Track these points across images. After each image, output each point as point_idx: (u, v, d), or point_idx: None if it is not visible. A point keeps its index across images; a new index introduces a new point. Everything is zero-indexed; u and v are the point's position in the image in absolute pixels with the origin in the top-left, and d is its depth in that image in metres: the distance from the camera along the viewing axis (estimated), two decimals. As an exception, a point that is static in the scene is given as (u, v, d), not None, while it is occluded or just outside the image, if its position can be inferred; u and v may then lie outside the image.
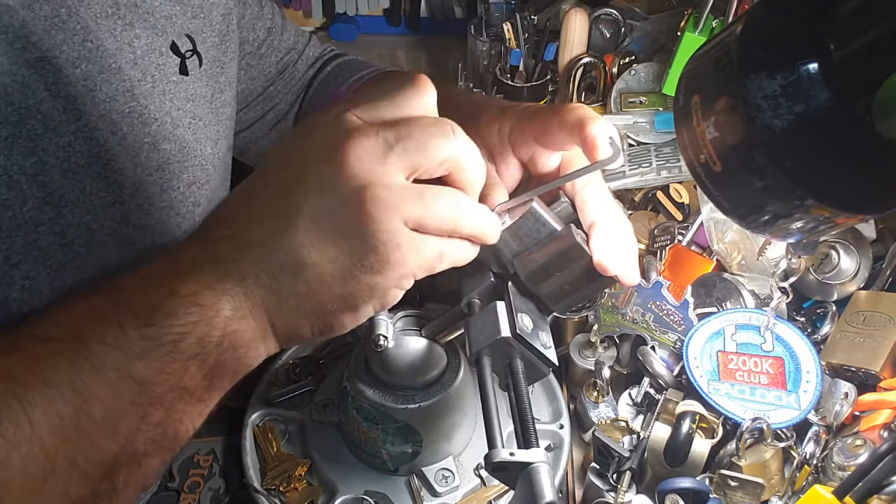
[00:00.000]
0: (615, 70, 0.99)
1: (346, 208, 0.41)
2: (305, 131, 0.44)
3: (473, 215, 0.44)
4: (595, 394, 0.73)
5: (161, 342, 0.40)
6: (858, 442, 0.58)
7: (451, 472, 0.66)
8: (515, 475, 0.42)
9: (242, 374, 0.45)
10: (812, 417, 0.63)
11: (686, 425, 0.64)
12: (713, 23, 0.84)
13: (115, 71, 0.54)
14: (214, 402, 0.45)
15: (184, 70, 0.61)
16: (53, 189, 0.49)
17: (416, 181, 0.43)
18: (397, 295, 0.44)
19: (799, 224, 0.41)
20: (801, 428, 0.63)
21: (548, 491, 0.40)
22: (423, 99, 0.44)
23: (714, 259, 0.78)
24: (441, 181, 0.44)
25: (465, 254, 0.46)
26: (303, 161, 0.42)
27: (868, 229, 0.73)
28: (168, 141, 0.59)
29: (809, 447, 0.61)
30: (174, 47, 0.60)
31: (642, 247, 0.83)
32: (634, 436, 0.69)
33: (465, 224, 0.44)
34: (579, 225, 0.50)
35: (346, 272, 0.42)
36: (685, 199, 0.85)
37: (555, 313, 0.53)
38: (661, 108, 0.92)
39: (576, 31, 1.01)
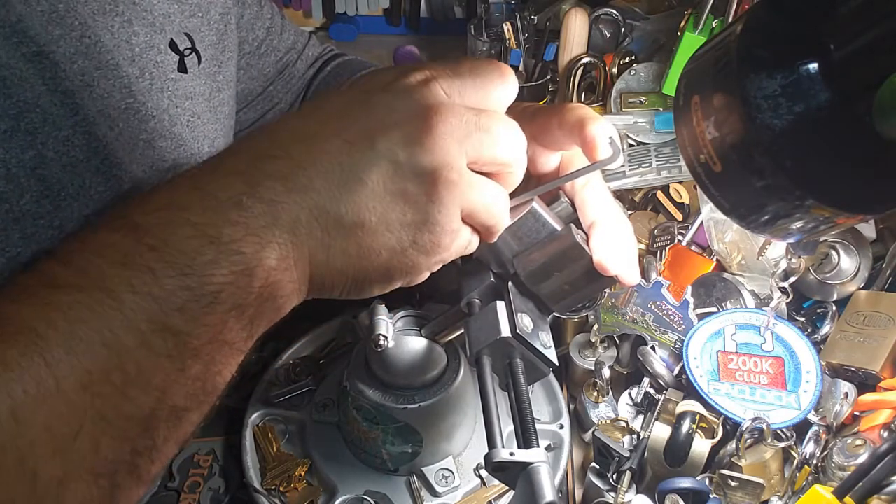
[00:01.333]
0: (615, 70, 0.99)
1: (419, 182, 0.40)
2: (389, 84, 0.41)
3: (505, 214, 0.45)
4: (595, 394, 0.73)
5: (201, 293, 0.37)
6: (858, 442, 0.58)
7: (451, 472, 0.66)
8: (515, 475, 0.42)
9: (275, 321, 0.42)
10: (812, 417, 0.63)
11: (686, 425, 0.64)
12: (713, 23, 0.84)
13: (112, 67, 0.54)
14: (250, 348, 0.42)
15: (182, 68, 0.61)
16: (52, 182, 0.49)
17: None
18: (425, 276, 0.44)
19: (799, 224, 0.41)
20: (801, 428, 0.63)
21: (548, 491, 0.40)
22: (507, 93, 0.44)
23: (714, 259, 0.78)
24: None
25: (475, 246, 0.46)
26: (385, 117, 0.40)
27: (868, 229, 0.73)
28: (164, 138, 0.59)
29: (809, 447, 0.61)
30: (173, 45, 0.60)
31: (642, 247, 0.83)
32: (634, 436, 0.69)
33: (499, 221, 0.45)
34: (579, 225, 0.50)
35: (398, 245, 0.41)
36: (685, 199, 0.85)
37: (555, 313, 0.53)
38: (661, 108, 0.92)
39: (576, 31, 1.01)
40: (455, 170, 0.40)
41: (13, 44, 0.47)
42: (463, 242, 0.44)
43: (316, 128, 0.41)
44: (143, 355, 0.36)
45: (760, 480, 0.60)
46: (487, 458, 0.42)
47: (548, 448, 0.71)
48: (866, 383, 0.64)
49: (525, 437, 0.44)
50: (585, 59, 1.00)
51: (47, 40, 0.49)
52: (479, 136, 0.41)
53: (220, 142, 0.67)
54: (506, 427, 0.61)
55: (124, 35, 0.56)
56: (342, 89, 0.44)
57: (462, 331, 0.55)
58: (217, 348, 0.39)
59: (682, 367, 0.68)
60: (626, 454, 0.65)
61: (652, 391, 0.71)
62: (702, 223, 0.79)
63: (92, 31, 0.53)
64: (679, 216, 0.84)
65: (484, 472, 0.67)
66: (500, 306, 0.49)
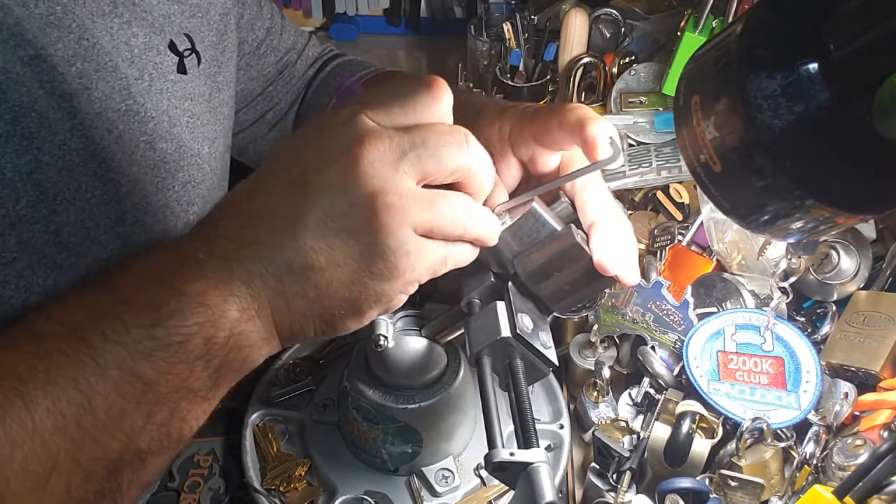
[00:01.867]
0: (615, 70, 0.99)
1: (358, 213, 0.40)
2: (317, 129, 0.43)
3: (480, 220, 0.44)
4: (595, 394, 0.73)
5: (167, 342, 0.40)
6: (858, 442, 0.58)
7: (451, 472, 0.66)
8: (515, 475, 0.42)
9: (246, 372, 0.45)
10: (812, 417, 0.63)
11: (686, 425, 0.64)
12: (713, 23, 0.84)
13: (111, 69, 0.54)
14: (218, 399, 0.44)
15: (182, 69, 0.61)
16: (48, 187, 0.49)
17: (425, 186, 0.43)
18: (402, 300, 0.44)
19: (799, 224, 0.41)
20: (801, 428, 0.63)
21: (548, 491, 0.40)
22: (439, 105, 0.44)
23: (714, 259, 0.78)
24: (449, 186, 0.44)
25: (466, 256, 0.46)
26: (314, 160, 0.42)
27: (868, 229, 0.73)
28: (164, 140, 0.59)
29: (809, 447, 0.61)
30: (172, 46, 0.60)
31: (642, 247, 0.83)
32: (634, 436, 0.69)
33: (472, 229, 0.44)
34: (579, 225, 0.50)
35: (354, 277, 0.42)
36: (685, 199, 0.85)
37: (555, 313, 0.53)
38: (661, 108, 0.92)
39: (576, 31, 1.01)
40: (393, 193, 0.40)
41: (10, 47, 0.47)
42: (434, 259, 0.43)
43: (258, 183, 0.44)
44: (113, 400, 0.39)
45: (760, 480, 0.60)
46: (487, 458, 0.42)
47: (548, 448, 0.71)
48: (866, 383, 0.64)
49: (525, 437, 0.44)
50: (585, 59, 1.00)
51: (45, 43, 0.49)
52: (416, 152, 0.41)
53: (219, 142, 0.67)
54: (506, 427, 0.61)
55: (123, 36, 0.56)
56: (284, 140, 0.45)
57: (462, 331, 0.55)
58: (182, 396, 0.41)
59: (682, 367, 0.68)
60: (626, 454, 0.65)
61: (652, 391, 0.71)
62: (702, 223, 0.79)
63: (90, 33, 0.53)
64: (679, 216, 0.84)
65: (484, 472, 0.67)
66: (500, 306, 0.49)
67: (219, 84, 0.67)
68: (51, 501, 0.38)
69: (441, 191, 0.43)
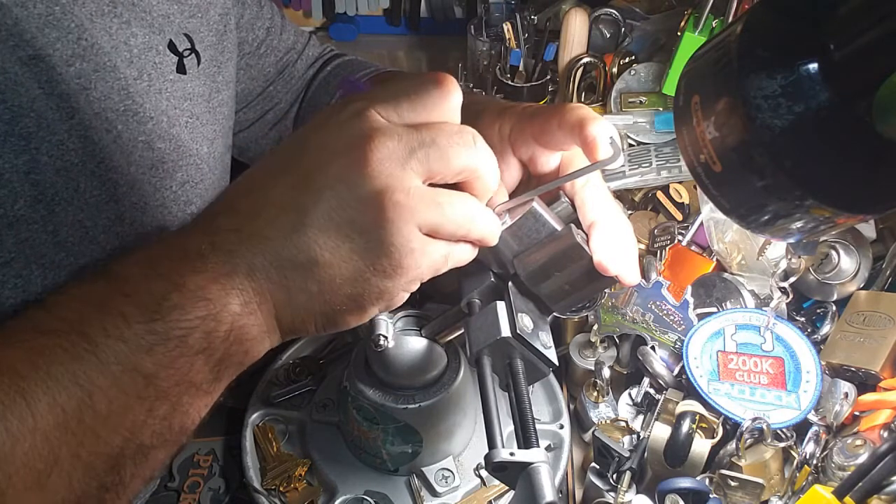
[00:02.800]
0: (615, 70, 0.99)
1: (364, 210, 0.40)
2: (324, 123, 0.43)
3: (483, 222, 0.45)
4: (595, 394, 0.73)
5: (168, 337, 0.39)
6: (858, 442, 0.58)
7: (451, 472, 0.66)
8: (515, 475, 0.42)
9: (247, 365, 0.44)
10: (812, 417, 0.63)
11: (686, 425, 0.64)
12: (713, 23, 0.84)
13: (110, 69, 0.54)
14: (219, 392, 0.44)
15: (181, 69, 0.61)
16: (46, 187, 0.49)
17: (431, 185, 0.43)
18: (404, 297, 0.44)
19: (799, 224, 0.41)
20: (801, 428, 0.63)
21: (548, 491, 0.40)
22: (449, 102, 0.43)
23: (714, 259, 0.78)
24: (454, 185, 0.44)
25: (467, 256, 0.46)
26: (321, 154, 0.41)
27: (868, 229, 0.73)
28: (163, 140, 0.59)
29: (809, 447, 0.61)
30: (171, 46, 0.60)
31: (642, 247, 0.83)
32: (634, 436, 0.69)
33: (475, 230, 0.44)
34: (579, 225, 0.50)
35: (357, 274, 0.42)
36: (685, 199, 0.85)
37: (555, 313, 0.53)
38: (661, 108, 0.92)
39: (576, 31, 1.01)
40: (400, 190, 0.40)
41: (9, 47, 0.47)
42: (437, 258, 0.43)
43: (262, 179, 0.43)
44: (114, 395, 0.39)
45: (760, 480, 0.60)
46: (487, 458, 0.42)
47: (548, 448, 0.71)
48: (866, 383, 0.64)
49: (525, 437, 0.44)
50: (585, 59, 1.00)
51: (43, 43, 0.49)
52: (424, 151, 0.41)
53: (218, 142, 0.67)
54: (506, 427, 0.61)
55: (122, 36, 0.56)
56: (287, 139, 0.45)
57: (462, 331, 0.55)
58: (184, 390, 0.41)
59: (682, 367, 0.68)
60: (626, 454, 0.65)
61: (652, 391, 0.71)
62: (702, 223, 0.79)
63: (89, 33, 0.53)
64: (679, 216, 0.84)
65: (484, 472, 0.67)
66: (500, 306, 0.49)
67: (218, 84, 0.67)
68: (52, 496, 0.38)
69: (447, 191, 0.43)
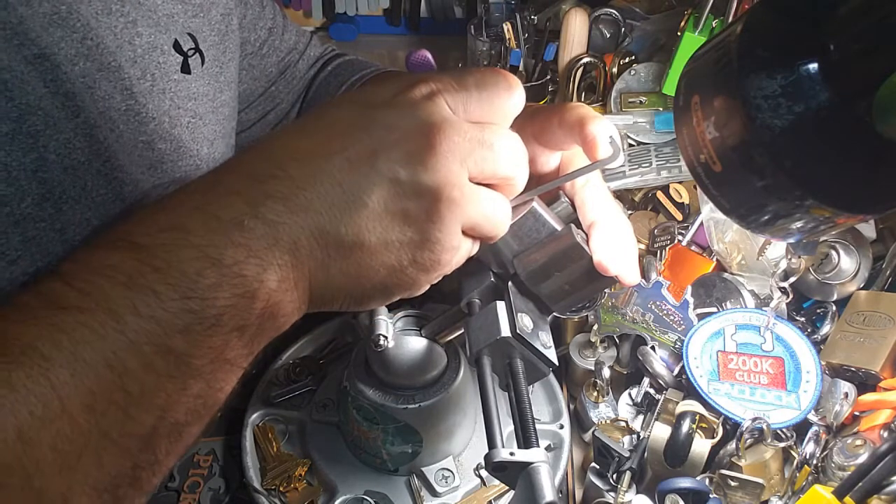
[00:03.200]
0: (615, 70, 0.99)
1: (420, 201, 0.40)
2: (392, 99, 0.41)
3: (507, 222, 0.45)
4: (595, 394, 0.73)
5: (204, 316, 0.37)
6: (858, 442, 0.58)
7: (451, 472, 0.66)
8: (515, 475, 0.42)
9: (274, 337, 0.42)
10: (812, 417, 0.63)
11: (686, 425, 0.64)
12: (713, 23, 0.84)
13: (113, 69, 0.54)
14: (248, 364, 0.42)
15: (186, 68, 0.61)
16: (53, 185, 0.49)
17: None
18: (425, 289, 0.45)
19: (799, 224, 0.41)
20: (801, 428, 0.63)
21: (548, 491, 0.40)
22: (513, 103, 0.44)
23: (714, 259, 0.78)
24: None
25: (475, 250, 0.46)
26: (388, 134, 0.40)
27: (868, 229, 0.73)
28: (164, 140, 0.59)
29: (809, 447, 0.61)
30: (177, 45, 0.60)
31: (642, 247, 0.83)
32: (634, 436, 0.69)
33: (501, 231, 0.45)
34: (579, 225, 0.50)
35: (398, 263, 0.41)
36: (685, 199, 0.85)
37: (555, 313, 0.53)
38: (661, 108, 0.92)
39: (576, 31, 1.01)
40: (457, 187, 0.40)
41: (14, 46, 0.47)
42: (463, 255, 0.44)
43: (316, 146, 0.41)
44: (146, 376, 0.37)
45: (760, 480, 0.60)
46: (487, 458, 0.42)
47: (548, 448, 0.71)
48: (866, 383, 0.64)
49: (525, 437, 0.44)
50: (585, 59, 1.00)
51: (49, 42, 0.49)
52: (482, 152, 0.41)
53: (218, 143, 0.67)
54: (506, 427, 0.61)
55: (127, 36, 0.56)
56: (342, 100, 0.43)
57: (462, 331, 0.55)
58: (218, 367, 0.39)
59: (682, 367, 0.68)
60: (626, 454, 0.65)
61: (652, 391, 0.71)
62: (702, 223, 0.79)
63: (94, 32, 0.53)
64: (679, 216, 0.84)
65: (484, 472, 0.67)
66: (500, 306, 0.49)
67: (221, 84, 0.67)
68: (84, 478, 0.36)
69: (491, 192, 0.43)
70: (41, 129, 0.48)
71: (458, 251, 0.43)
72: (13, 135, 0.46)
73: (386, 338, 0.59)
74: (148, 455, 0.38)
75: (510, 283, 0.51)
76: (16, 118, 0.47)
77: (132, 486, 0.38)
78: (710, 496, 0.60)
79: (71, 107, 0.50)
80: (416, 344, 0.62)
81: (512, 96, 0.43)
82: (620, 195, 0.90)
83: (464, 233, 0.43)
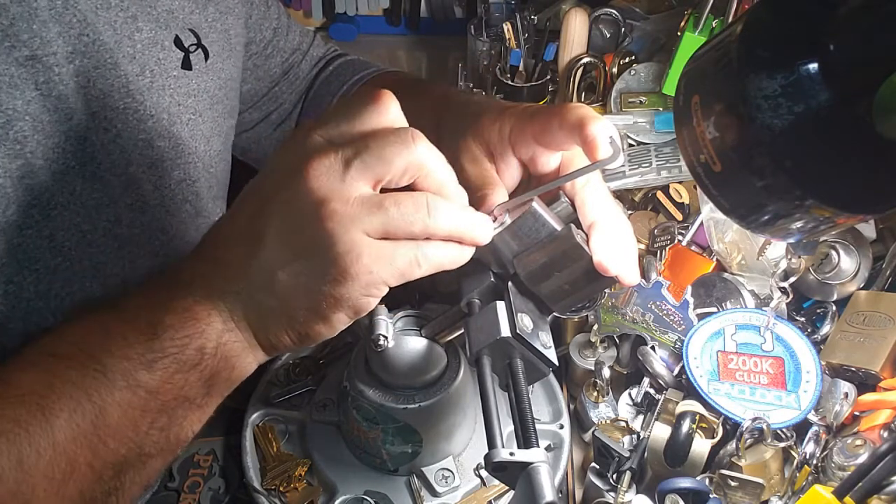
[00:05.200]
0: (615, 70, 0.99)
1: (307, 225, 0.42)
2: (276, 154, 0.46)
3: (446, 214, 0.44)
4: (595, 394, 0.73)
5: (164, 353, 0.44)
6: (858, 442, 0.58)
7: (451, 472, 0.66)
8: (515, 475, 0.42)
9: (237, 382, 0.48)
10: (812, 417, 0.63)
11: (686, 425, 0.64)
12: (713, 23, 0.84)
13: (111, 66, 0.54)
14: (212, 408, 0.48)
15: (187, 65, 0.61)
16: (41, 192, 0.49)
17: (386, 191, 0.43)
18: (370, 303, 0.45)
19: (799, 224, 0.41)
20: (801, 428, 0.63)
21: (548, 491, 0.40)
22: (386, 114, 0.44)
23: (714, 259, 0.78)
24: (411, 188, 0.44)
25: (452, 256, 0.46)
26: (272, 185, 0.44)
27: (868, 229, 0.73)
28: (163, 138, 0.59)
29: (809, 447, 0.61)
30: (177, 41, 0.60)
31: (642, 247, 0.83)
32: (634, 436, 0.69)
33: (436, 224, 0.44)
34: (579, 225, 0.50)
35: (310, 285, 0.43)
36: (685, 199, 0.85)
37: (555, 313, 0.53)
38: (661, 108, 0.92)
39: (576, 31, 1.01)
40: (340, 201, 0.41)
41: (5, 48, 0.47)
42: (400, 261, 0.43)
43: (231, 212, 0.47)
44: (122, 410, 0.43)
45: (760, 480, 0.60)
46: (487, 458, 0.42)
47: (548, 448, 0.71)
48: (866, 383, 0.64)
49: (525, 437, 0.44)
50: (585, 59, 1.00)
51: (43, 41, 0.49)
52: (360, 158, 0.42)
53: (215, 140, 0.67)
54: (506, 427, 0.61)
55: (127, 31, 0.55)
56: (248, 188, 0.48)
57: (462, 331, 0.54)
58: (179, 403, 0.45)
59: (682, 367, 0.68)
60: (626, 454, 0.65)
61: (652, 391, 0.71)
62: (702, 223, 0.79)
63: (92, 27, 0.52)
64: (679, 216, 0.84)
65: (484, 472, 0.67)
66: (500, 306, 0.49)
67: (222, 81, 0.67)
68: (67, 502, 0.42)
69: (395, 192, 0.43)
70: (29, 135, 0.48)
71: (375, 258, 0.42)
72: None
73: (386, 338, 0.59)
74: (117, 482, 0.44)
75: (510, 283, 0.51)
76: (2, 124, 0.47)
77: None
78: (710, 496, 0.60)
79: (63, 109, 0.50)
80: (416, 344, 0.62)
81: (379, 107, 0.44)
82: (620, 195, 0.90)
83: (386, 238, 0.43)
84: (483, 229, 0.46)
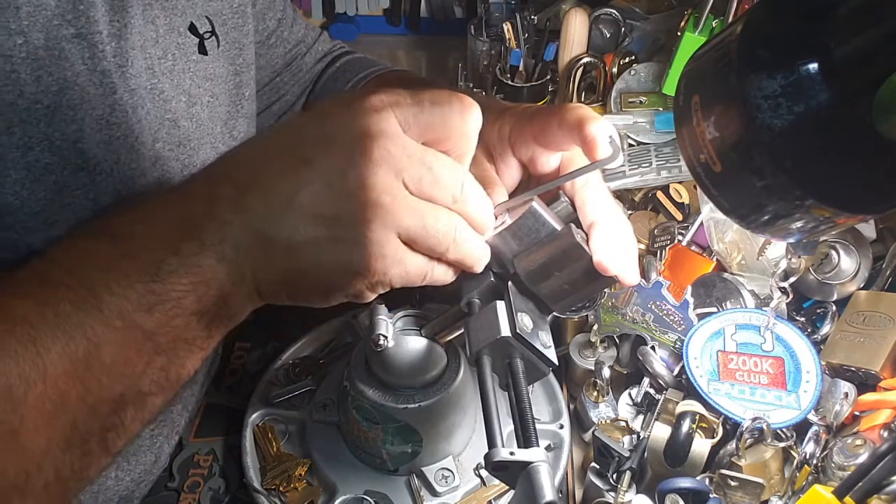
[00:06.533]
0: (615, 70, 0.99)
1: (349, 203, 0.41)
2: (340, 110, 0.43)
3: (467, 244, 0.45)
4: (595, 394, 0.73)
5: (166, 297, 0.42)
6: (858, 442, 0.58)
7: (451, 472, 0.66)
8: (515, 475, 0.42)
9: (236, 323, 0.47)
10: (812, 417, 0.63)
11: (686, 425, 0.64)
12: (713, 23, 0.84)
13: (139, 48, 0.56)
14: (212, 347, 0.46)
15: (203, 50, 0.63)
16: (90, 157, 0.51)
17: None
18: (368, 296, 0.45)
19: (799, 224, 0.41)
20: (801, 428, 0.63)
21: (548, 490, 0.40)
22: (467, 128, 0.44)
23: (714, 259, 0.78)
24: None
25: (445, 278, 0.47)
26: (327, 139, 0.42)
27: (868, 229, 0.73)
28: (187, 119, 0.61)
29: (809, 447, 0.61)
30: (192, 28, 0.62)
31: (642, 247, 0.83)
32: (634, 436, 0.69)
33: (457, 250, 0.45)
34: (579, 225, 0.50)
35: (328, 264, 0.43)
36: (685, 199, 0.85)
37: (555, 313, 0.53)
38: (661, 108, 0.92)
39: (576, 31, 1.01)
40: (387, 193, 0.41)
41: (54, 26, 0.49)
42: (411, 270, 0.44)
43: (265, 152, 0.44)
44: (117, 347, 0.42)
45: (760, 480, 0.60)
46: (487, 457, 0.42)
47: (548, 448, 0.71)
48: (866, 383, 0.64)
49: (525, 437, 0.44)
50: (585, 59, 1.00)
51: (85, 22, 0.51)
52: (419, 170, 0.42)
53: (235, 123, 0.69)
54: (506, 427, 0.61)
55: (150, 16, 0.58)
56: (298, 114, 0.47)
57: (462, 331, 0.55)
58: (180, 345, 0.44)
59: (682, 367, 0.68)
60: (626, 454, 0.65)
61: (652, 391, 0.71)
62: (702, 223, 0.79)
63: (122, 13, 0.54)
64: (679, 216, 0.84)
65: (484, 472, 0.67)
66: (500, 306, 0.49)
67: (238, 66, 0.69)
68: (60, 434, 0.41)
69: (431, 206, 0.43)
70: (79, 104, 0.50)
71: (394, 262, 0.43)
72: (55, 107, 0.49)
73: (386, 338, 0.59)
74: (115, 419, 0.43)
75: (510, 283, 0.51)
76: (56, 91, 0.49)
77: (100, 445, 0.43)
78: (710, 496, 0.60)
79: (108, 83, 0.52)
80: (416, 344, 0.62)
81: (465, 119, 0.44)
82: (620, 195, 0.90)
83: (408, 245, 0.43)
84: (483, 262, 0.48)
